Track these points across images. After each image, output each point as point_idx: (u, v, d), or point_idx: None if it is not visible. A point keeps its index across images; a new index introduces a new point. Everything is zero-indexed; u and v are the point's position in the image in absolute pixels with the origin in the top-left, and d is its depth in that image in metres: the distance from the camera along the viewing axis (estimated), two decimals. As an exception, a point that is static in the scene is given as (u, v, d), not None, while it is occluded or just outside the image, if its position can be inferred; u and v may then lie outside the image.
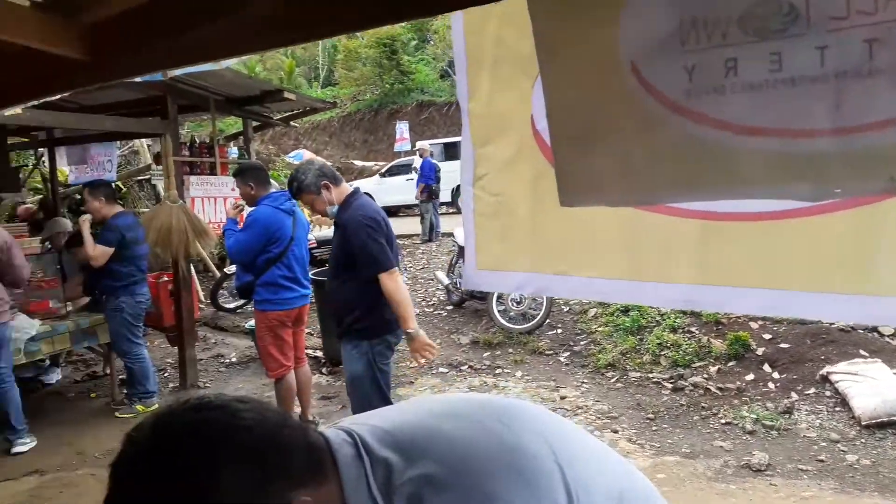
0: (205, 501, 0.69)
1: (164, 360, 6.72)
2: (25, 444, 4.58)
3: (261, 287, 4.37)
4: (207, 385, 5.96)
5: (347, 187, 3.55)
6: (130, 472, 0.72)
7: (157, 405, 5.17)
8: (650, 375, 5.37)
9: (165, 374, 6.35)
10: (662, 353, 5.60)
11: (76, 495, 3.90)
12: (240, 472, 0.71)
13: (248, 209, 4.60)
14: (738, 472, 3.66)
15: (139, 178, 10.16)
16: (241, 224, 4.50)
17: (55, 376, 6.22)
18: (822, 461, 3.74)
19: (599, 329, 6.38)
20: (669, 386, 5.13)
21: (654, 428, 4.53)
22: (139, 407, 5.20)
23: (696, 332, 5.78)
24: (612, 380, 5.47)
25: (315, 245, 8.75)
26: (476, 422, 0.91)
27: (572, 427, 1.03)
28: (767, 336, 5.44)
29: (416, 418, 0.93)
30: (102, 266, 5.02)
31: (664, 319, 6.05)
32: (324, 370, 6.13)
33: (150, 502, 0.70)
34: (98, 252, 5.00)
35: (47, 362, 6.19)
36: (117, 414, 5.23)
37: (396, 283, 3.27)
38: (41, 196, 8.14)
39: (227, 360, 6.67)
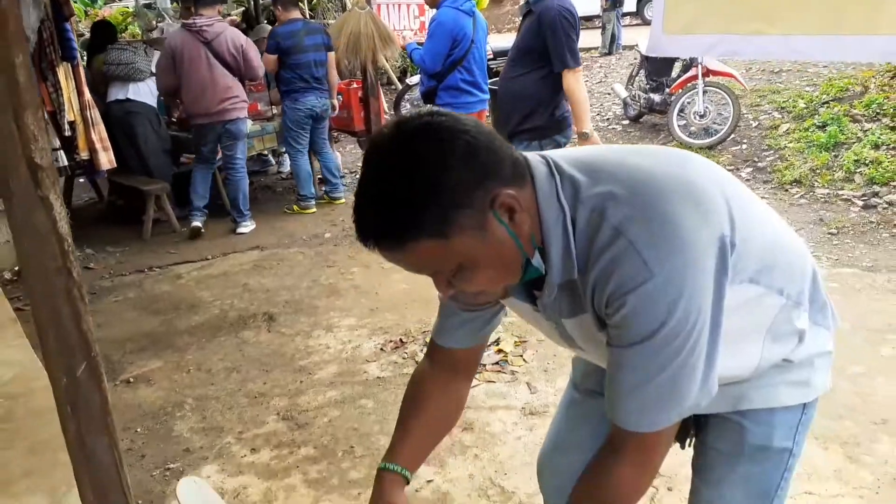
0: (437, 183, 0.85)
1: (354, 164, 7.35)
2: (247, 227, 5.41)
3: (443, 91, 4.54)
4: (393, 186, 6.48)
5: None
6: (377, 156, 0.90)
7: (313, 210, 5.74)
8: (840, 192, 5.06)
9: (356, 176, 6.97)
10: (858, 170, 5.20)
11: (289, 266, 4.62)
12: (464, 162, 0.87)
13: (429, 14, 4.69)
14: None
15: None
16: (423, 30, 4.60)
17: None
18: None
19: (790, 145, 5.98)
20: (860, 203, 4.82)
21: (834, 242, 4.36)
22: (295, 206, 5.80)
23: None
24: (796, 196, 5.22)
25: (491, 56, 8.73)
26: (657, 159, 1.02)
27: (744, 187, 1.10)
28: None
29: (603, 151, 1.07)
30: (276, 73, 5.46)
31: (866, 135, 5.53)
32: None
33: (392, 180, 0.87)
34: (264, 59, 5.40)
35: (271, 158, 7.00)
36: (284, 209, 5.88)
37: (579, 83, 3.27)
38: (244, 8, 8.75)
39: (410, 166, 7.14)
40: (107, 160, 4.21)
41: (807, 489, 2.18)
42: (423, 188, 0.86)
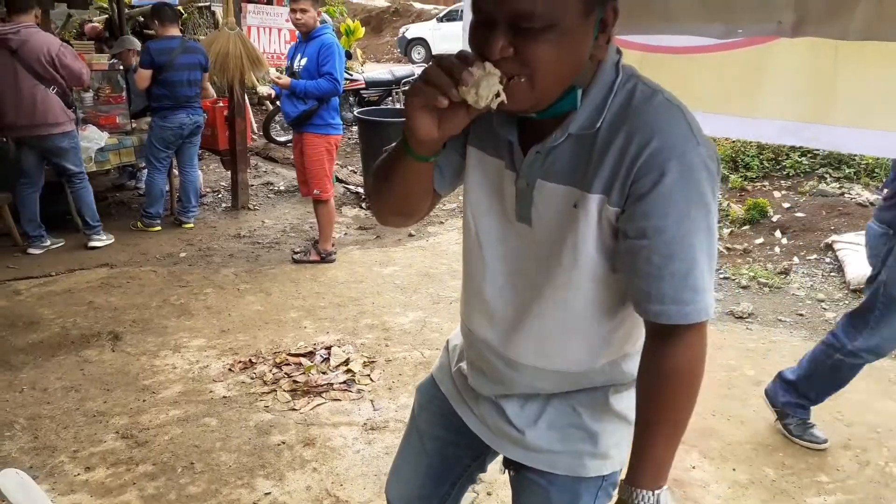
0: None
1: (217, 183, 7.26)
2: (101, 240, 5.17)
3: (325, 112, 4.65)
4: (257, 207, 6.49)
5: None
6: None
7: (157, 228, 5.64)
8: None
9: (219, 195, 6.89)
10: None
11: (139, 285, 4.52)
12: None
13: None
14: (720, 318, 4.02)
15: (200, 4, 10.34)
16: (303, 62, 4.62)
17: None
18: (801, 315, 4.07)
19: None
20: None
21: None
22: (139, 223, 5.67)
23: (720, 196, 5.97)
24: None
25: (363, 86, 8.95)
26: None
27: None
28: (787, 205, 5.60)
29: None
30: (149, 88, 5.35)
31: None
32: (363, 205, 6.58)
33: None
34: (137, 75, 5.31)
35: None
36: (130, 225, 5.72)
37: None
38: (107, 16, 8.46)
39: (276, 188, 7.17)
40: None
41: None
42: None
